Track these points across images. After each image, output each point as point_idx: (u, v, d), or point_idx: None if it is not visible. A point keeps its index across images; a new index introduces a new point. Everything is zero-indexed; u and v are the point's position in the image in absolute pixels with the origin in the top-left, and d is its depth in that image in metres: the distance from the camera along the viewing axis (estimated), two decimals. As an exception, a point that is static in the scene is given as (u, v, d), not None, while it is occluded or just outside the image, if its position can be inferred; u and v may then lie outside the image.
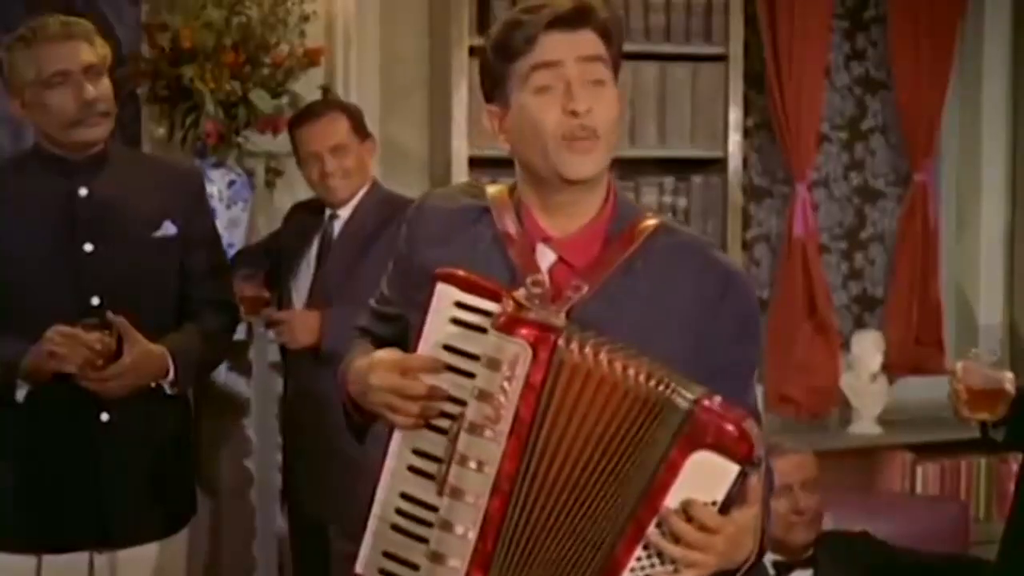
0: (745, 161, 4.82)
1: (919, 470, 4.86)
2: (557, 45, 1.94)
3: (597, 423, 1.81)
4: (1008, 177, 5.28)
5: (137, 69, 3.99)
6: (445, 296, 1.87)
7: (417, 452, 1.89)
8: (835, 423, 5.04)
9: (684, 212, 4.59)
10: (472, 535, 1.83)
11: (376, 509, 1.91)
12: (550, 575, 1.85)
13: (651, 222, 2.03)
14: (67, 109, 2.93)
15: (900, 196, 5.28)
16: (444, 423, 1.86)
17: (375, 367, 1.93)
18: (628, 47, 4.37)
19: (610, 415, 1.81)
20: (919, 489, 4.85)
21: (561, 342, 1.81)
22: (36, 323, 2.83)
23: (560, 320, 1.87)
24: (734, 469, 1.78)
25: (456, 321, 1.87)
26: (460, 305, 1.86)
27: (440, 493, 1.85)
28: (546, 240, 2.01)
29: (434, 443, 1.87)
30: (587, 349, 1.81)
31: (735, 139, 4.57)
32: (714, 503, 1.80)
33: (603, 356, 1.81)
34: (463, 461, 1.82)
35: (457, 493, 1.83)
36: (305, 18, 4.01)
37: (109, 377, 2.86)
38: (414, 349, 1.90)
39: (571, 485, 1.82)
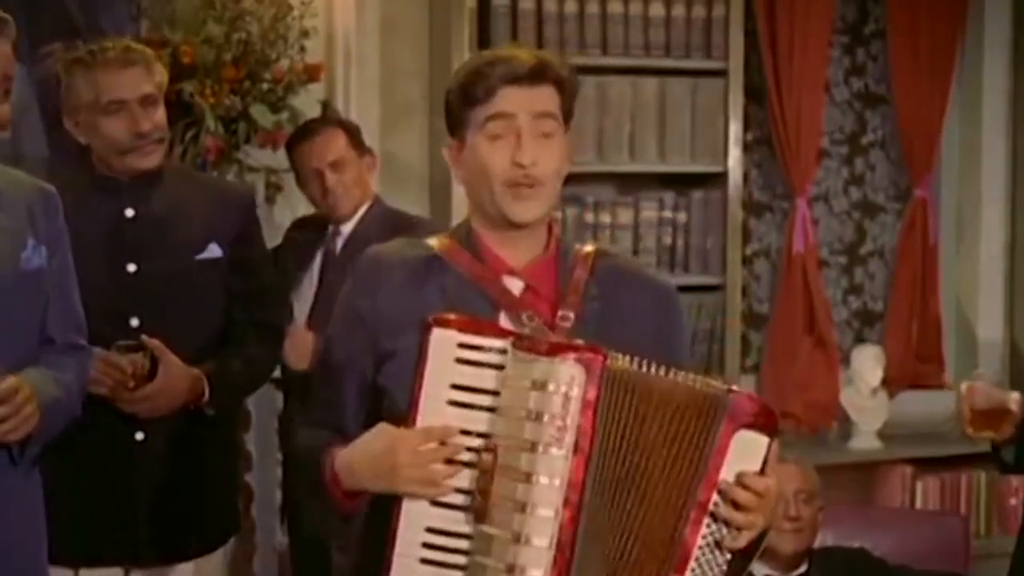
0: (745, 176, 4.83)
1: (919, 484, 4.87)
2: (513, 99, 2.10)
3: (657, 428, 2.00)
4: (1008, 192, 5.28)
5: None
6: (445, 340, 2.00)
7: None
8: (835, 438, 5.04)
9: (684, 227, 4.60)
10: (550, 544, 1.94)
11: (399, 548, 2.01)
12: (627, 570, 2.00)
13: (589, 248, 2.23)
14: (120, 138, 2.96)
15: (900, 211, 5.28)
16: (466, 456, 1.98)
17: (397, 448, 2.00)
18: (628, 61, 4.50)
19: (667, 419, 2.00)
20: (919, 503, 4.85)
21: (609, 361, 1.97)
22: None
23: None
24: (765, 440, 2.03)
25: (462, 361, 2.00)
26: (464, 346, 2.00)
27: (479, 519, 1.96)
28: (510, 272, 2.15)
29: (460, 477, 1.98)
30: (632, 364, 1.99)
31: (735, 154, 4.58)
32: (754, 473, 2.02)
33: (644, 369, 2.00)
34: (528, 478, 1.94)
35: (528, 507, 1.94)
36: (305, 34, 4.01)
37: (140, 398, 2.88)
38: (415, 394, 2.01)
39: (638, 488, 1.99)
